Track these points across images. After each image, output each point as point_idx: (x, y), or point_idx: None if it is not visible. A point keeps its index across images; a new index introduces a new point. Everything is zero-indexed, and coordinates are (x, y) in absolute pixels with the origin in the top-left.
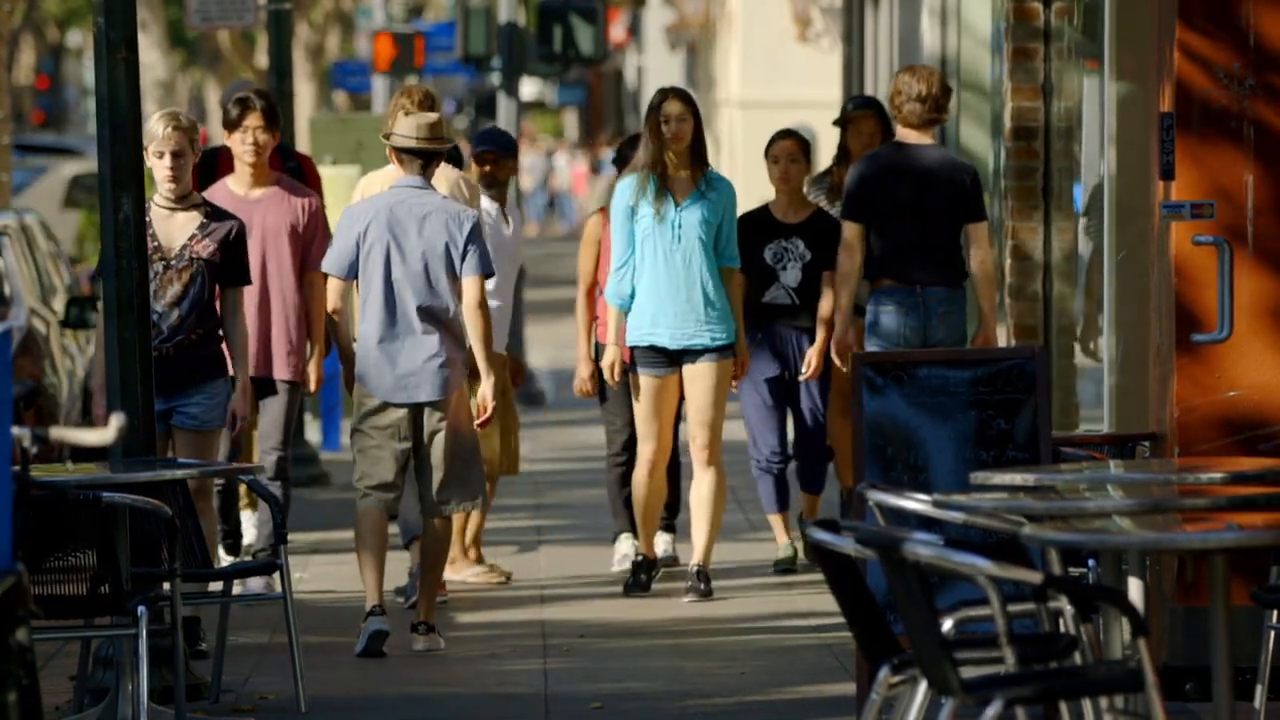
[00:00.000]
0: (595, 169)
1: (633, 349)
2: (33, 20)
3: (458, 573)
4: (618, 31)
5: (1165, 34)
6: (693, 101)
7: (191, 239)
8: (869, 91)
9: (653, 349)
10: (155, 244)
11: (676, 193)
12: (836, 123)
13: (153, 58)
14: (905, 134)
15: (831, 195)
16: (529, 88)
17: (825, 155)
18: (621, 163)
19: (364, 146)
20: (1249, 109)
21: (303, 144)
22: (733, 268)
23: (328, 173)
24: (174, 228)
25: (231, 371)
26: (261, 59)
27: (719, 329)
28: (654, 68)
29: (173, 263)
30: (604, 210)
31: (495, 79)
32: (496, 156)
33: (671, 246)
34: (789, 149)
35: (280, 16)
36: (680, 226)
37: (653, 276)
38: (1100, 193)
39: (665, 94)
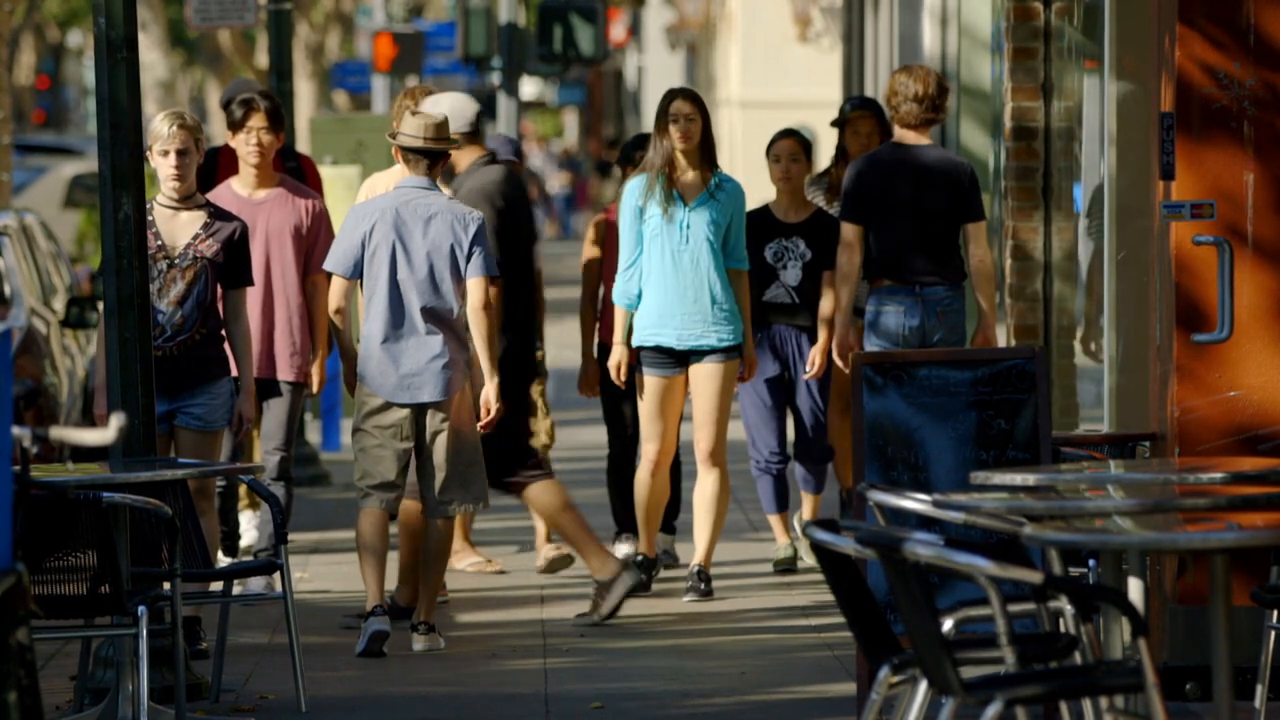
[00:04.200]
0: (604, 171)
1: (639, 349)
2: (33, 20)
3: (459, 561)
4: (618, 31)
5: (1165, 33)
6: (702, 102)
7: (195, 239)
8: (869, 92)
9: (659, 349)
10: (159, 243)
11: (685, 193)
12: (834, 123)
13: (153, 58)
14: (903, 134)
15: (830, 195)
16: (529, 88)
17: (825, 155)
18: (626, 163)
19: (364, 147)
20: (1249, 109)
21: (303, 144)
22: (741, 269)
23: (327, 173)
24: (177, 227)
25: (235, 373)
26: (262, 59)
27: (726, 330)
28: (654, 68)
29: (176, 262)
30: (607, 211)
31: (495, 79)
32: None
33: (679, 247)
34: (790, 148)
35: (280, 16)
36: (689, 227)
37: (660, 277)
38: (1100, 193)
39: (674, 94)
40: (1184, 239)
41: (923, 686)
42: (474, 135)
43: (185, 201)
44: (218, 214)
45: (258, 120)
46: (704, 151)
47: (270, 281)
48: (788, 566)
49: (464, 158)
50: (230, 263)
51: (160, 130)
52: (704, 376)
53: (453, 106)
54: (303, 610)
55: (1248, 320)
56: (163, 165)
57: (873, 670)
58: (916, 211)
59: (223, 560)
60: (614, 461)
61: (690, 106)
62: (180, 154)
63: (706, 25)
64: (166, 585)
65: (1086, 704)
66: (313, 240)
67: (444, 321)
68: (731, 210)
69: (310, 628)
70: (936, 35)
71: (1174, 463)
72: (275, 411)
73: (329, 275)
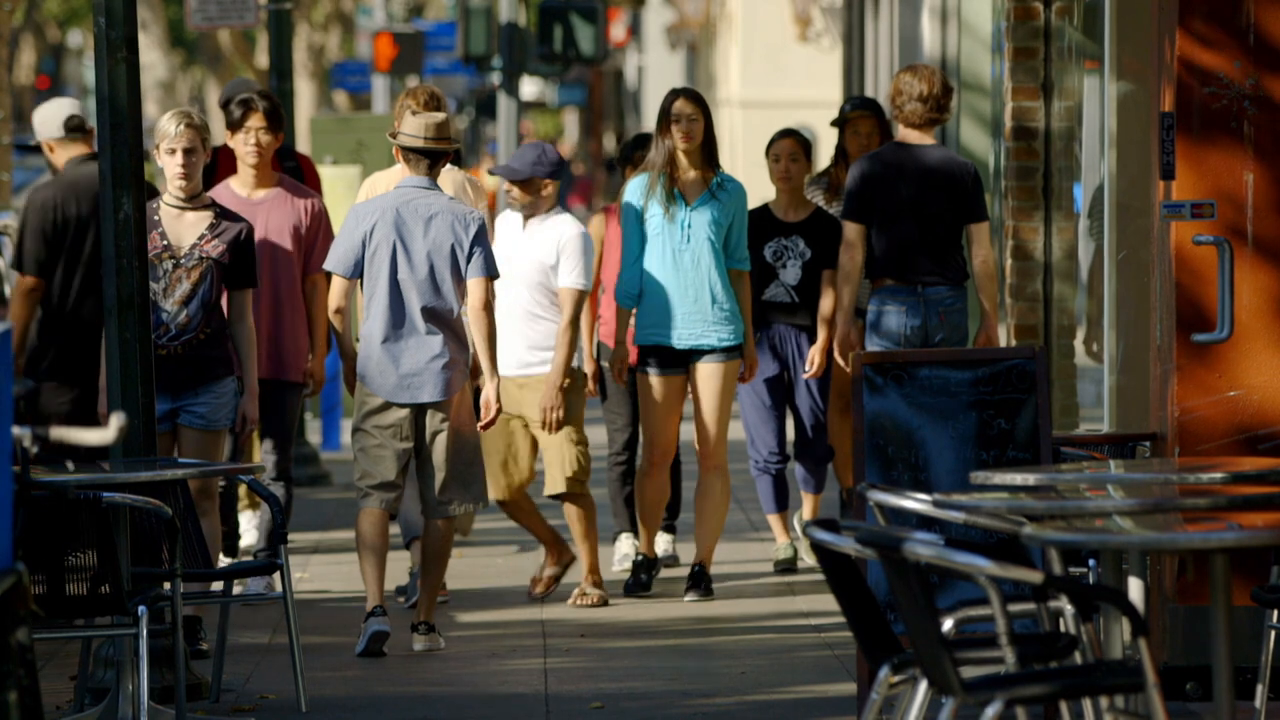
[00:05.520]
0: (608, 166)
1: (640, 349)
2: (33, 20)
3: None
4: (618, 31)
5: (1165, 34)
6: (704, 102)
7: (201, 239)
8: (869, 92)
9: (660, 349)
10: (165, 243)
11: (687, 193)
12: (834, 123)
13: (153, 58)
14: (906, 134)
15: (829, 195)
16: (529, 88)
17: (825, 155)
18: (626, 163)
19: (364, 146)
20: (1249, 109)
21: (303, 144)
22: (742, 269)
23: (327, 173)
24: (183, 226)
25: (238, 373)
26: (262, 59)
27: (726, 330)
28: (654, 68)
29: (182, 261)
30: (607, 210)
31: (495, 79)
32: (513, 183)
33: (681, 247)
34: (789, 147)
35: (281, 16)
36: (690, 227)
37: (661, 277)
38: (1100, 193)
39: (676, 94)
40: (1184, 239)
41: (923, 686)
42: (75, 135)
43: (191, 201)
44: (224, 214)
45: (256, 120)
46: (706, 151)
47: (270, 281)
48: (788, 566)
49: (61, 157)
50: (236, 263)
51: (167, 129)
52: (704, 376)
53: (42, 115)
54: (303, 610)
55: (1248, 320)
56: (169, 164)
57: (873, 670)
58: (919, 211)
59: (223, 560)
60: (614, 461)
61: (692, 107)
62: (187, 153)
63: (706, 25)
64: (167, 585)
65: (1086, 704)
66: (312, 240)
67: (444, 321)
68: (733, 210)
69: (310, 628)
70: (937, 35)
71: (1174, 463)
72: (275, 411)
73: (329, 275)
